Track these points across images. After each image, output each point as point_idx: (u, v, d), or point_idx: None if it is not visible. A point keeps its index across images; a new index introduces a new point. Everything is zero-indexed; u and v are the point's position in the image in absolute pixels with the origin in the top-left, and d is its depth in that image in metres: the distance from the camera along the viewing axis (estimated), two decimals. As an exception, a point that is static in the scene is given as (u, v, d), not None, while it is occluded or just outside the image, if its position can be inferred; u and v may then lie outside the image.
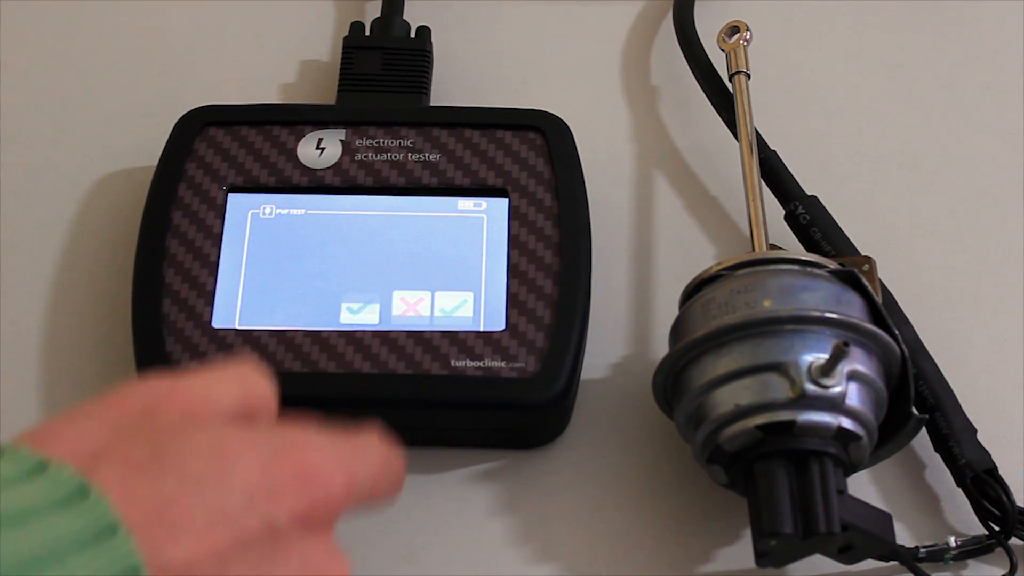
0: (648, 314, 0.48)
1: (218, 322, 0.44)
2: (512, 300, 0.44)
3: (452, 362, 0.43)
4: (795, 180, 0.48)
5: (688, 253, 0.49)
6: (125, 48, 0.54)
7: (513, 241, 0.46)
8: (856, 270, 0.42)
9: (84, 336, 0.47)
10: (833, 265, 0.42)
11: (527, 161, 0.47)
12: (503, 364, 0.43)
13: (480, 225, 0.46)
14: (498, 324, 0.44)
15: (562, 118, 0.48)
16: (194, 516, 0.30)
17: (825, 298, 0.41)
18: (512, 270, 0.45)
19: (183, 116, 0.48)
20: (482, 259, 0.46)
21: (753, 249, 0.44)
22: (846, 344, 0.39)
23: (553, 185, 0.47)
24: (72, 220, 0.49)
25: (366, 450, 0.34)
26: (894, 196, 0.51)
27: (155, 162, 0.47)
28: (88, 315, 0.47)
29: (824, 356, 0.39)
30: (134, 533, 0.28)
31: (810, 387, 0.39)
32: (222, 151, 0.47)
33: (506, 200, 0.47)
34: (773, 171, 0.48)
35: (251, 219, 0.46)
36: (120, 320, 0.46)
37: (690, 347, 0.41)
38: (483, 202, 0.47)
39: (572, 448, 0.45)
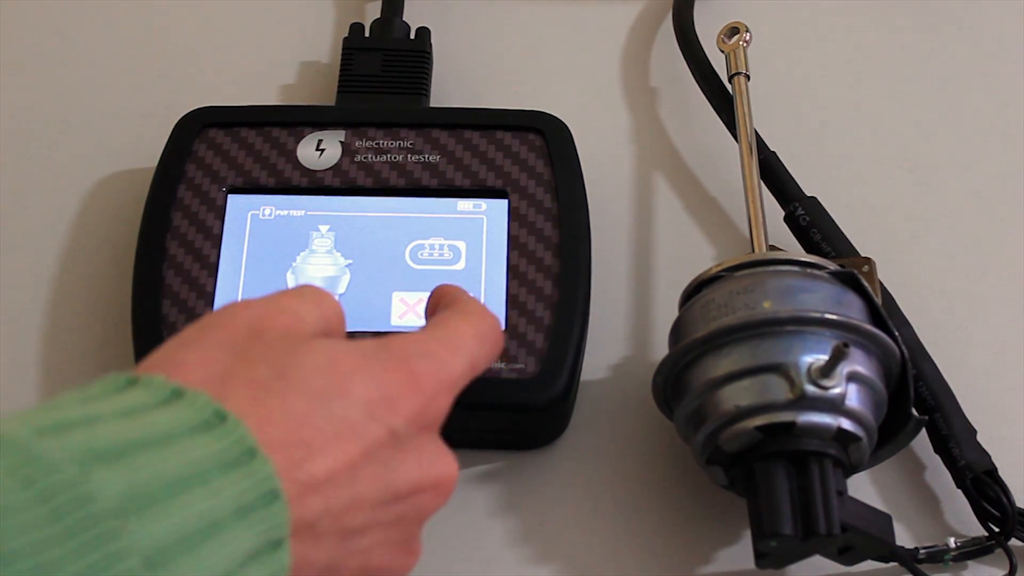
0: (648, 315, 0.48)
1: (218, 323, 0.44)
2: (512, 301, 0.44)
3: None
4: (795, 181, 0.48)
5: (688, 254, 0.49)
6: (125, 50, 0.54)
7: (513, 242, 0.46)
8: (856, 271, 0.42)
9: (84, 336, 0.47)
10: (833, 266, 0.42)
11: (527, 162, 0.47)
12: (503, 365, 0.43)
13: (480, 226, 0.46)
14: (498, 325, 0.44)
15: (562, 119, 0.48)
16: (325, 432, 0.31)
17: (825, 299, 0.41)
18: (512, 271, 0.45)
19: (183, 117, 0.48)
20: (482, 260, 0.46)
21: (753, 250, 0.44)
22: (846, 345, 0.39)
23: (553, 186, 0.47)
24: (72, 221, 0.49)
25: (462, 339, 0.36)
26: (894, 196, 0.51)
27: (155, 163, 0.47)
28: (88, 315, 0.47)
29: (824, 357, 0.39)
30: (272, 455, 0.30)
31: (810, 388, 0.39)
32: (222, 152, 0.47)
33: (506, 201, 0.47)
34: (773, 172, 0.48)
35: (251, 220, 0.46)
36: (120, 320, 0.46)
37: (690, 348, 0.41)
38: (483, 203, 0.47)
39: (572, 449, 0.45)
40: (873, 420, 0.41)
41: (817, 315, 0.40)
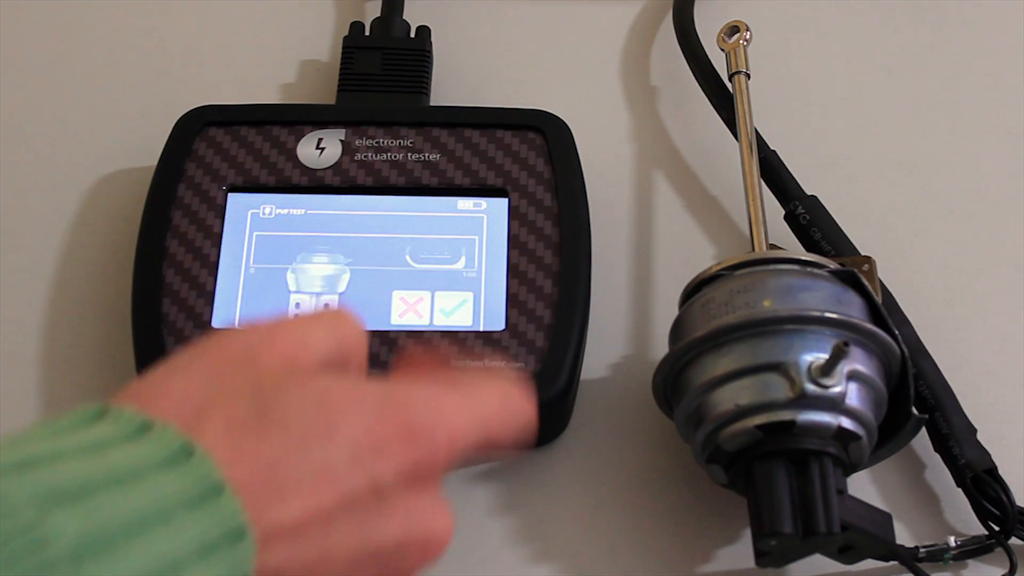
0: (648, 314, 0.48)
1: (218, 321, 0.44)
2: (512, 300, 0.45)
3: (452, 362, 0.43)
4: (795, 180, 0.48)
5: (688, 253, 0.49)
6: (125, 48, 0.54)
7: (513, 241, 0.46)
8: (856, 270, 0.42)
9: (84, 335, 0.47)
10: (833, 265, 0.42)
11: (527, 161, 0.47)
12: (503, 364, 0.43)
13: (480, 225, 0.46)
14: (498, 324, 0.44)
15: (562, 118, 0.48)
16: (300, 476, 0.29)
17: (825, 298, 0.41)
18: (512, 270, 0.45)
19: (183, 116, 0.48)
20: (482, 259, 0.46)
21: (753, 249, 0.44)
22: (846, 344, 0.39)
23: (553, 185, 0.47)
24: (73, 219, 0.49)
25: (476, 400, 0.33)
26: (894, 196, 0.51)
27: (155, 162, 0.47)
28: (88, 314, 0.47)
29: (824, 356, 0.39)
30: (239, 494, 0.28)
31: (810, 387, 0.39)
32: (222, 151, 0.47)
33: (506, 200, 0.47)
34: (773, 171, 0.48)
35: (251, 219, 0.46)
36: (120, 319, 0.46)
37: (689, 347, 0.41)
38: (483, 202, 0.47)
39: (572, 448, 0.45)
40: (873, 419, 0.41)
41: (817, 314, 0.40)
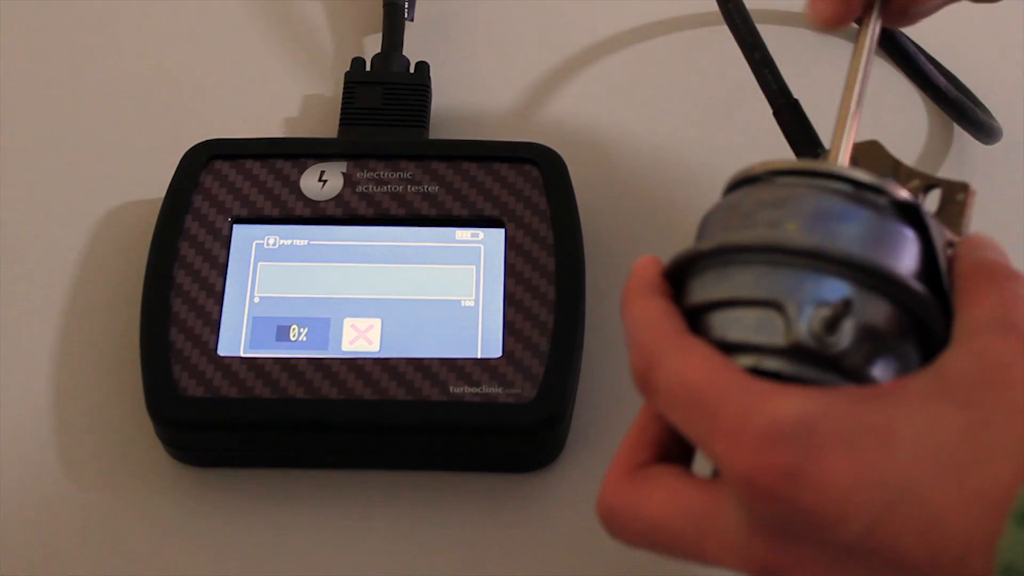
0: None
1: (224, 350, 0.45)
2: (509, 328, 0.45)
3: (451, 388, 0.44)
4: None
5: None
6: (134, 84, 0.55)
7: (509, 270, 0.47)
8: (920, 204, 0.34)
9: (93, 363, 0.48)
10: (903, 194, 0.34)
11: (523, 192, 0.48)
12: (500, 390, 0.44)
13: (478, 255, 0.47)
14: (495, 351, 0.45)
15: (556, 151, 0.49)
16: None
17: (862, 235, 0.33)
18: (508, 299, 0.46)
19: (190, 150, 0.49)
20: (479, 288, 0.47)
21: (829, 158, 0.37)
22: (848, 303, 0.32)
23: (548, 216, 0.48)
24: (82, 251, 0.50)
25: None
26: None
27: (163, 194, 0.48)
28: (97, 343, 0.48)
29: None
30: None
31: (806, 339, 0.32)
32: (227, 183, 0.48)
33: (503, 230, 0.48)
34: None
35: (256, 249, 0.47)
36: (129, 347, 0.47)
37: (692, 258, 0.35)
38: (480, 232, 0.48)
39: (567, 472, 0.46)
40: None
41: (837, 252, 0.32)
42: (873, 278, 0.32)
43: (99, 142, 0.53)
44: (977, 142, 0.53)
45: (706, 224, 0.36)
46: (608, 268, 0.49)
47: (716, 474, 0.34)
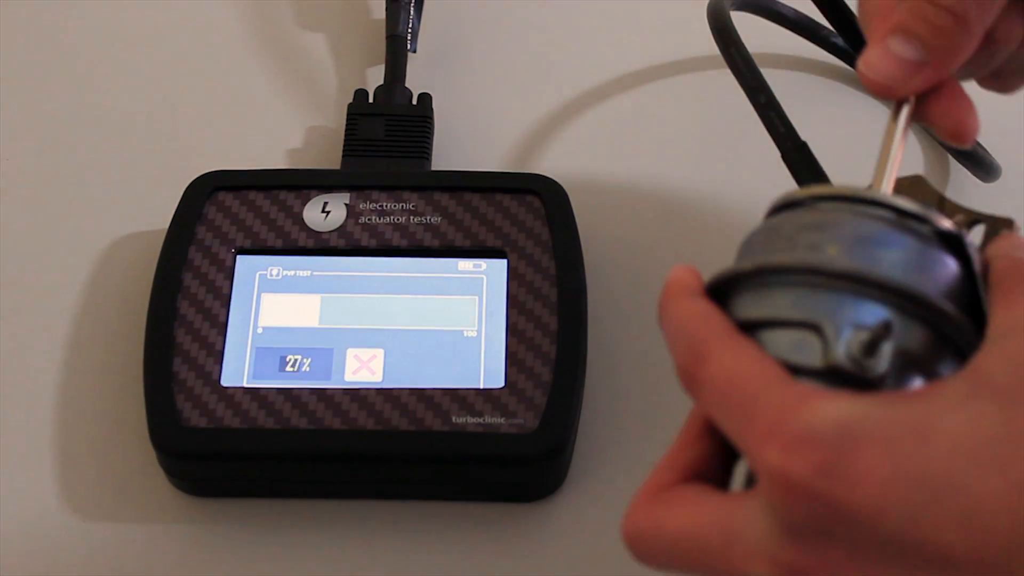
0: (643, 372, 0.49)
1: (227, 380, 0.45)
2: (511, 358, 0.46)
3: (453, 418, 0.44)
4: None
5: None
6: (138, 116, 0.55)
7: (512, 301, 0.47)
8: (964, 235, 0.34)
9: (97, 393, 0.48)
10: (945, 224, 0.34)
11: (525, 223, 0.48)
12: (503, 420, 0.44)
13: (480, 285, 0.48)
14: (498, 382, 0.45)
15: (558, 181, 0.50)
16: None
17: (904, 260, 0.33)
18: (511, 329, 0.46)
19: (193, 181, 0.49)
20: (482, 318, 0.47)
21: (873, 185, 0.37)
22: (888, 326, 0.32)
23: (551, 247, 0.48)
24: (86, 281, 0.50)
25: None
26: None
27: (166, 225, 0.48)
28: (101, 373, 0.48)
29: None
30: None
31: (844, 361, 0.32)
32: (231, 215, 0.49)
33: (505, 261, 0.48)
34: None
35: (259, 280, 0.48)
36: (132, 378, 0.47)
37: (732, 278, 0.35)
38: (483, 263, 0.48)
39: (569, 501, 0.46)
40: None
41: (878, 277, 0.32)
42: (913, 304, 0.33)
43: (104, 173, 0.53)
44: (975, 179, 0.53)
45: (747, 246, 0.36)
46: (610, 299, 0.50)
47: (749, 485, 0.34)
